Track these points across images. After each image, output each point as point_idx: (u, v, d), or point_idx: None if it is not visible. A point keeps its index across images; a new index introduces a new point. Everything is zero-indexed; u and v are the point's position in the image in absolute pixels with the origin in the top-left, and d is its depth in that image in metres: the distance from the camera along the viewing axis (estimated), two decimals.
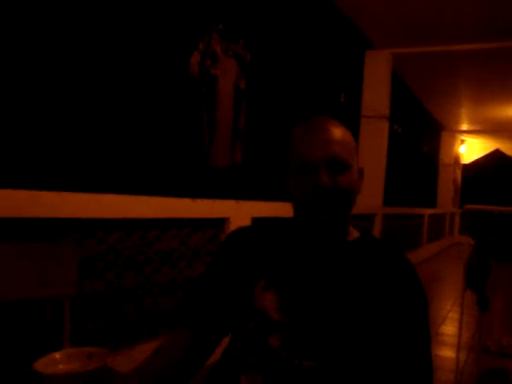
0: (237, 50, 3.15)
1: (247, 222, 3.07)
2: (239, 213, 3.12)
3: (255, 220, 3.10)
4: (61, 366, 1.71)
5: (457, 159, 13.56)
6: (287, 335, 1.05)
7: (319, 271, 1.11)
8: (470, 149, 13.71)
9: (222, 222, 3.15)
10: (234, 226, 3.07)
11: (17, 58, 1.98)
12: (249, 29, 3.38)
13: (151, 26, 2.59)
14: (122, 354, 2.38)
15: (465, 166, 14.15)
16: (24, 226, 2.00)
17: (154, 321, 2.68)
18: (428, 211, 10.30)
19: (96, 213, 2.24)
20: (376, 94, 6.12)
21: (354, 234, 1.21)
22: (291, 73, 4.10)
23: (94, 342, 2.26)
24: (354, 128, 5.59)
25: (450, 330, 4.03)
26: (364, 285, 1.08)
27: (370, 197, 5.82)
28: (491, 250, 2.87)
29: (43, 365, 1.64)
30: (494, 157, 13.60)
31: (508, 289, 3.17)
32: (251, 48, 3.33)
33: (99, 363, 1.73)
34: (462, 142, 13.48)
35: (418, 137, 9.87)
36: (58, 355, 1.75)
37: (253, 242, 1.23)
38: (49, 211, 2.04)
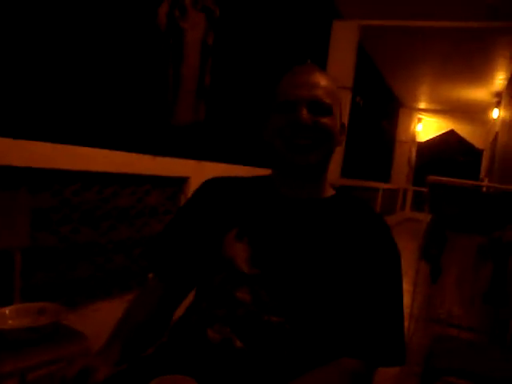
0: (206, 3, 3.02)
1: None
2: (200, 173, 3.05)
3: None
4: (10, 322, 1.66)
5: (413, 137, 13.80)
6: (257, 289, 1.01)
7: (293, 225, 1.08)
8: (426, 127, 13.96)
9: (182, 181, 3.07)
10: (194, 185, 2.98)
11: None
12: None
13: None
14: (75, 312, 2.31)
15: (420, 144, 14.42)
16: None
17: (108, 279, 2.61)
18: (383, 185, 10.48)
19: (52, 163, 2.12)
20: (341, 64, 6.07)
21: (330, 191, 1.18)
22: (259, 33, 4.00)
23: (47, 298, 2.18)
24: None
25: None
26: (337, 240, 1.06)
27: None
28: (449, 221, 2.94)
29: None
30: (449, 137, 13.91)
31: (461, 260, 3.25)
32: (220, 3, 3.21)
33: (51, 319, 1.68)
34: (419, 120, 13.70)
35: (378, 111, 9.96)
36: (7, 310, 1.70)
37: (228, 191, 1.20)
38: (2, 158, 1.92)
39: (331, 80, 1.13)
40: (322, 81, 1.09)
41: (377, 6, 5.66)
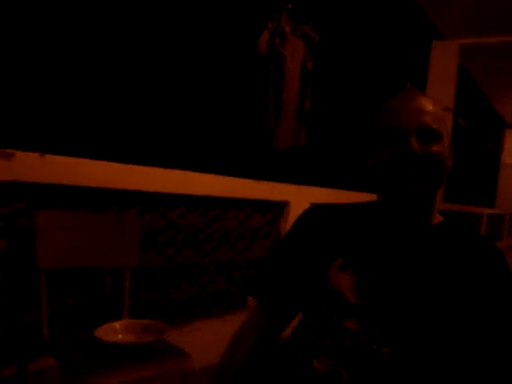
0: (305, 30, 3.07)
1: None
2: (300, 197, 3.06)
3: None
4: (120, 336, 1.75)
5: None
6: (365, 319, 0.99)
7: (400, 254, 1.05)
8: None
9: (282, 205, 3.10)
10: (294, 210, 3.01)
11: None
12: (317, 10, 3.29)
13: (225, 3, 2.55)
14: (176, 330, 2.39)
15: None
16: (90, 195, 2.01)
17: (209, 299, 2.68)
18: (487, 211, 9.93)
19: (159, 187, 2.24)
20: (441, 85, 5.88)
21: (439, 217, 1.14)
22: (358, 57, 3.99)
23: (150, 315, 2.27)
24: None
25: None
26: (447, 268, 1.02)
27: None
28: None
29: (104, 333, 1.69)
30: None
31: None
32: (319, 29, 3.25)
33: (156, 336, 1.75)
34: None
35: (482, 133, 9.50)
36: (117, 325, 1.79)
37: (331, 220, 1.17)
38: (116, 182, 2.05)
39: (437, 104, 1.10)
40: (428, 106, 1.06)
41: (478, 23, 5.44)
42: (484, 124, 9.64)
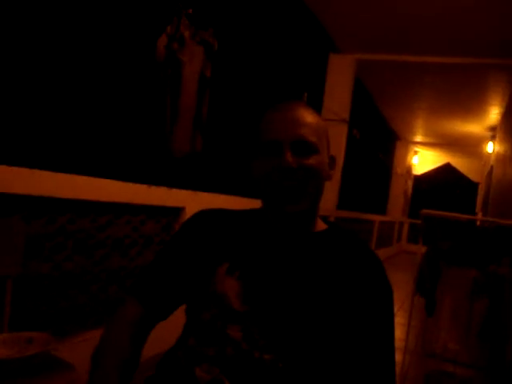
0: (205, 36, 3.07)
1: None
2: (196, 203, 3.06)
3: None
4: None
5: (409, 170, 13.89)
6: (248, 326, 0.99)
7: (285, 261, 1.07)
8: (423, 160, 14.07)
9: (177, 211, 3.07)
10: (189, 216, 2.99)
11: None
12: (218, 17, 3.32)
13: (122, 6, 2.48)
14: (65, 341, 2.28)
15: (416, 176, 14.52)
16: None
17: (100, 308, 2.58)
18: (378, 218, 10.48)
19: (47, 191, 2.13)
20: (337, 97, 6.14)
21: (322, 225, 1.17)
22: (256, 66, 4.06)
23: (37, 327, 2.15)
24: None
25: (396, 334, 4.07)
26: (329, 276, 1.04)
27: (324, 199, 5.83)
28: (443, 254, 2.94)
29: None
30: (445, 170, 14.02)
31: (456, 294, 3.24)
32: (219, 37, 3.27)
33: (39, 349, 1.65)
34: (415, 153, 13.81)
35: (375, 144, 10.03)
36: None
37: (220, 224, 1.17)
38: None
39: (315, 114, 1.11)
40: (306, 117, 1.07)
41: (373, 40, 5.77)
42: (377, 135, 10.19)
